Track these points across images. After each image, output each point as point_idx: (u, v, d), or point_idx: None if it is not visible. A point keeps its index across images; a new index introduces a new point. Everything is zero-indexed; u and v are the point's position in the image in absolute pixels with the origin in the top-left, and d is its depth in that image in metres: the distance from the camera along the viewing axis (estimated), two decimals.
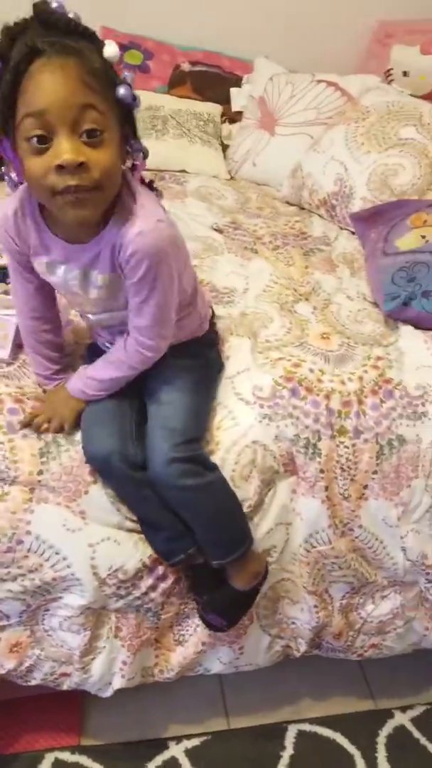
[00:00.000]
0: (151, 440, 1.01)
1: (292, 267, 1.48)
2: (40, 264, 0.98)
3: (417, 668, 1.43)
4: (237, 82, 2.14)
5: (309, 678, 1.45)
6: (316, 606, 1.20)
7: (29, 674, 1.16)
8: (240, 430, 1.09)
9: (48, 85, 0.77)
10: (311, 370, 1.15)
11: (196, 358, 1.11)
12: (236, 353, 1.19)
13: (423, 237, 1.36)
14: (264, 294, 1.37)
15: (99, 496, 1.05)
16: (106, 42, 0.83)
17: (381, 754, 1.35)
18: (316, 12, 2.19)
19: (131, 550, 1.07)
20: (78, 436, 1.07)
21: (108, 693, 1.19)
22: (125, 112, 0.85)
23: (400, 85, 2.07)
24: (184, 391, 1.06)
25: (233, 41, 2.12)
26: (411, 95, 1.93)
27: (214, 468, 1.05)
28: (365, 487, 1.12)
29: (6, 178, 0.93)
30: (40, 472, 1.03)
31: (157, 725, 1.38)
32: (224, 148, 2.08)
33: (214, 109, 2.10)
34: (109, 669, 1.16)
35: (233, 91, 2.13)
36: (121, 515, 1.06)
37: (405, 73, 2.17)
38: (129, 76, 0.84)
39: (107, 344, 1.10)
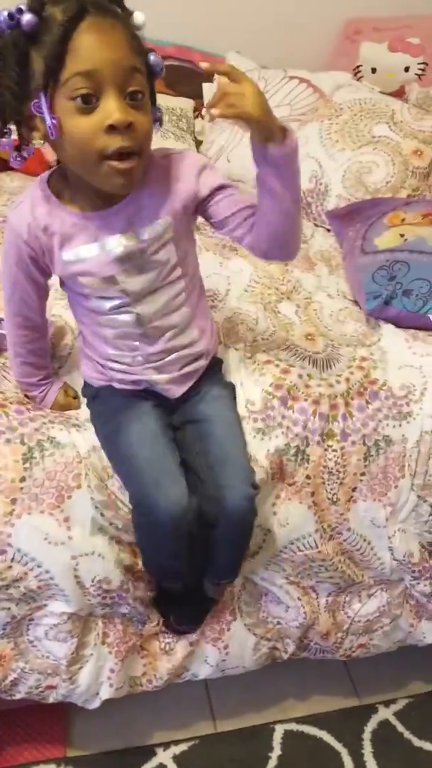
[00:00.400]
0: (225, 479, 0.99)
1: (272, 265, 1.47)
2: (70, 253, 0.92)
3: (398, 663, 1.45)
4: (209, 77, 2.12)
5: (294, 677, 1.46)
6: (299, 599, 1.20)
7: (13, 688, 1.13)
8: None
9: (100, 44, 0.76)
10: (300, 376, 1.14)
11: (224, 386, 1.11)
12: (227, 367, 1.17)
13: (402, 235, 1.37)
14: (246, 294, 1.36)
15: (83, 501, 1.03)
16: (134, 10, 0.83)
17: (367, 750, 1.37)
18: (285, 7, 2.18)
19: (114, 563, 1.05)
20: (63, 438, 1.04)
21: (95, 704, 1.17)
22: (150, 79, 0.85)
23: (369, 82, 2.08)
24: (232, 423, 1.06)
25: (204, 36, 2.09)
26: (381, 92, 1.94)
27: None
28: (354, 489, 1.12)
29: (12, 156, 0.87)
30: (23, 479, 1.00)
31: (143, 732, 1.37)
32: (197, 143, 2.06)
33: (187, 104, 2.08)
34: (97, 678, 1.14)
35: (206, 86, 2.11)
36: (105, 520, 1.04)
37: (373, 70, 2.18)
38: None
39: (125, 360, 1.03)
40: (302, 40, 2.21)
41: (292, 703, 1.44)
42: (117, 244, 0.92)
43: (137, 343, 1.00)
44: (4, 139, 0.85)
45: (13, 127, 0.85)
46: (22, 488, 1.00)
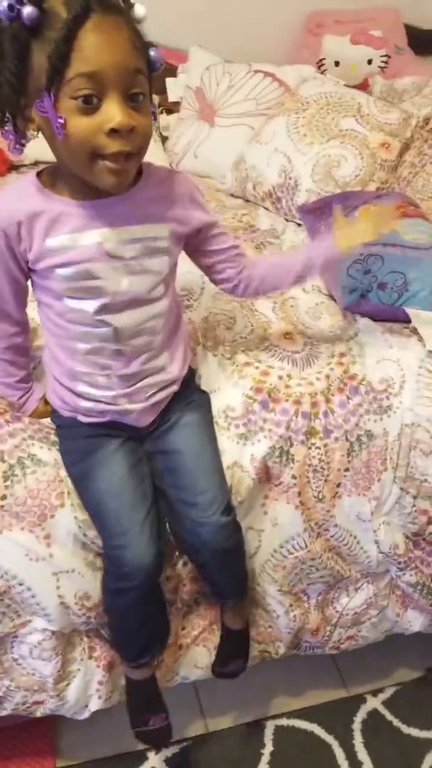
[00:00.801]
0: (198, 514, 1.00)
1: None
2: (56, 240, 0.88)
3: (384, 652, 1.46)
4: (172, 72, 2.10)
5: (282, 672, 1.46)
6: (291, 605, 1.20)
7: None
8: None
9: (105, 46, 0.75)
10: (280, 377, 1.14)
11: (195, 407, 1.09)
12: (205, 372, 1.17)
13: None
14: (221, 292, 1.34)
15: (65, 519, 1.01)
16: (134, 1, 0.81)
17: (357, 740, 1.38)
18: (248, 1, 2.16)
19: (96, 581, 1.05)
20: (44, 456, 1.02)
21: (84, 715, 1.16)
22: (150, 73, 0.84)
23: (333, 75, 2.08)
24: (207, 451, 1.05)
25: (167, 30, 2.06)
26: (345, 85, 1.94)
27: (235, 512, 1.06)
28: (338, 485, 1.13)
29: (12, 146, 0.86)
30: (4, 497, 0.99)
31: (132, 737, 1.35)
32: (163, 139, 2.04)
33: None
34: (85, 692, 1.13)
35: (169, 81, 2.08)
36: (87, 539, 1.03)
37: (336, 63, 2.18)
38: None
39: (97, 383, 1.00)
40: (265, 34, 2.20)
41: (282, 698, 1.45)
42: (108, 236, 0.90)
43: (110, 361, 0.98)
44: (6, 128, 0.84)
45: None
46: (2, 506, 0.99)
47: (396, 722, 1.42)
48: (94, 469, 0.99)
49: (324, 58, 2.17)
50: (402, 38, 2.18)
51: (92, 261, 0.90)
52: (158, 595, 1.08)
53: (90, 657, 1.12)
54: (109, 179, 0.83)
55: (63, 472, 1.03)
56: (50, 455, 1.03)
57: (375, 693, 1.47)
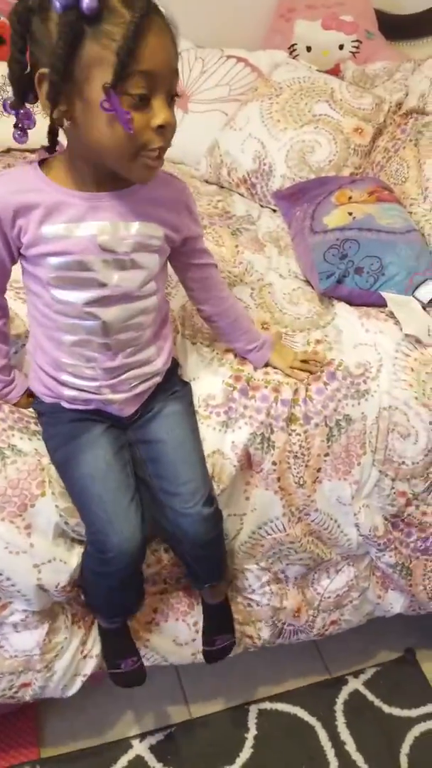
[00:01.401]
0: (179, 504, 1.01)
1: (223, 247, 1.45)
2: (52, 228, 0.88)
3: (365, 633, 1.48)
4: None
5: (264, 656, 1.47)
6: (268, 581, 1.21)
7: None
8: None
9: (161, 47, 0.79)
10: (255, 368, 1.15)
11: (178, 398, 1.09)
12: (184, 361, 1.16)
13: (350, 214, 1.37)
14: None
15: (46, 508, 1.00)
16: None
17: (340, 721, 1.40)
18: None
19: (77, 566, 1.04)
20: (25, 446, 1.01)
21: (75, 688, 1.15)
22: None
23: (305, 60, 2.07)
24: (189, 441, 1.05)
25: None
26: (318, 70, 1.93)
27: (217, 503, 1.06)
28: (318, 470, 1.13)
29: (17, 134, 0.87)
30: None
31: (117, 725, 1.36)
32: None
33: None
34: (73, 659, 1.13)
35: None
36: (68, 527, 1.02)
37: (308, 49, 2.17)
38: None
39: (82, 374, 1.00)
40: (237, 19, 2.18)
41: (264, 682, 1.46)
42: (103, 230, 0.90)
43: (96, 354, 0.98)
44: (23, 110, 0.85)
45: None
46: None
47: (377, 702, 1.44)
48: (78, 453, 0.99)
49: (296, 44, 2.16)
50: (372, 23, 2.17)
51: (85, 253, 0.90)
52: (138, 576, 1.09)
53: (73, 623, 1.12)
54: (146, 173, 0.86)
55: (45, 460, 1.02)
56: (31, 445, 1.02)
57: (356, 674, 1.49)
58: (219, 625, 1.20)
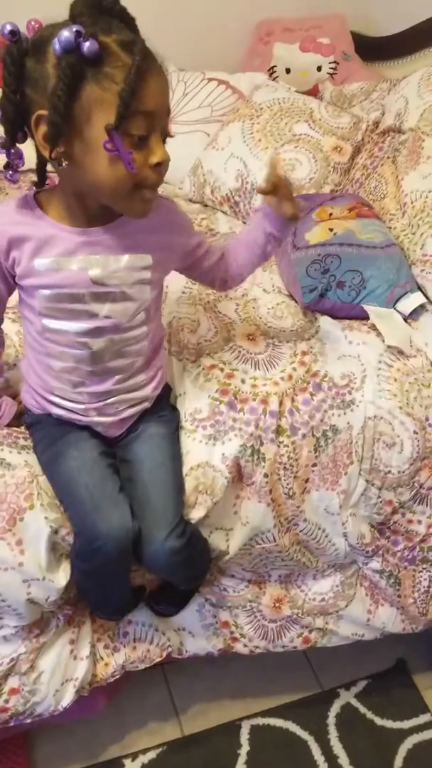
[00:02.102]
0: (146, 527, 1.00)
1: None
2: (43, 262, 0.90)
3: (355, 644, 1.47)
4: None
5: (254, 671, 1.47)
6: (250, 581, 1.22)
7: None
8: (187, 461, 1.09)
9: (160, 89, 0.82)
10: (243, 381, 1.16)
11: (164, 420, 1.09)
12: (171, 378, 1.18)
13: (331, 230, 1.40)
14: (184, 296, 1.36)
15: (35, 521, 1.00)
16: None
17: (333, 735, 1.40)
18: (198, 10, 2.19)
19: (67, 582, 1.04)
20: (13, 459, 1.01)
21: (68, 697, 1.12)
22: None
23: (285, 82, 2.12)
24: (166, 465, 1.05)
25: None
26: (297, 91, 1.98)
27: (193, 529, 1.06)
28: (307, 480, 1.14)
29: (8, 174, 0.88)
30: None
31: (109, 744, 1.35)
32: None
33: None
34: (60, 659, 1.11)
35: None
36: (58, 536, 1.02)
37: (287, 71, 2.22)
38: None
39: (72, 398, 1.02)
40: (217, 43, 2.23)
41: (255, 696, 1.46)
42: (95, 263, 0.92)
43: (84, 379, 1.00)
44: (13, 150, 0.86)
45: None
46: None
47: (369, 715, 1.44)
48: (65, 449, 1.00)
49: (275, 66, 2.21)
50: (349, 45, 2.23)
51: (75, 286, 0.92)
52: (126, 574, 1.08)
53: (64, 624, 1.12)
54: (142, 207, 0.89)
55: (35, 471, 1.02)
56: (19, 458, 1.03)
57: (348, 687, 1.49)
58: (172, 598, 1.20)
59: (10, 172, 0.88)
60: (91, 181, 0.85)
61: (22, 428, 1.09)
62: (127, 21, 0.81)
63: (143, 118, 0.81)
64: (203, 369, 1.18)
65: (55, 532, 1.01)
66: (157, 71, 0.81)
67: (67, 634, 1.13)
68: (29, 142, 0.86)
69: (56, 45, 0.76)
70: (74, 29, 0.75)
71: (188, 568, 1.09)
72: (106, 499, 0.97)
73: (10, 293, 0.97)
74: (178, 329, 1.27)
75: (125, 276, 0.94)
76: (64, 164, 0.84)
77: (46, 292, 0.92)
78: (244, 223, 1.78)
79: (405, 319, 1.33)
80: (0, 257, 0.91)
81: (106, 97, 0.78)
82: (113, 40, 0.78)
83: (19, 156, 0.87)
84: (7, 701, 1.09)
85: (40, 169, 0.94)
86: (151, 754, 1.33)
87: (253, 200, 1.73)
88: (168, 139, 0.90)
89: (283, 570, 1.24)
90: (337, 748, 1.38)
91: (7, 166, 0.87)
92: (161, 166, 0.85)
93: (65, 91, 0.77)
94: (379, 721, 1.43)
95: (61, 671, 1.11)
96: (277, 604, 1.25)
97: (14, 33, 0.79)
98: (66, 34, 0.75)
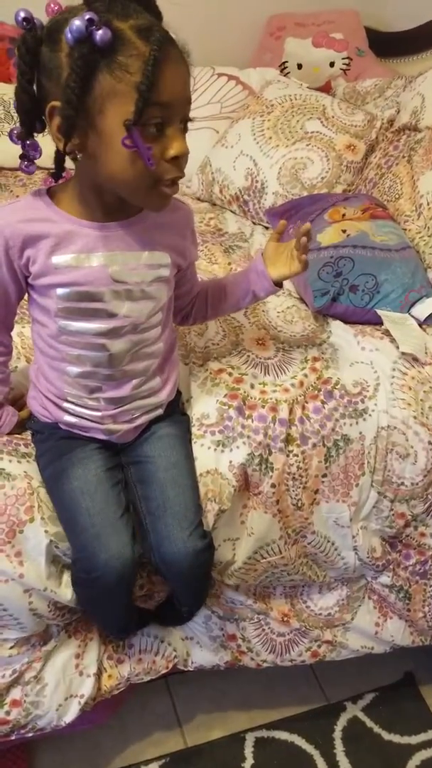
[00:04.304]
0: (163, 528, 0.96)
1: (216, 265, 1.44)
2: (62, 258, 0.87)
3: (362, 656, 1.45)
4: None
5: (259, 682, 1.44)
6: (255, 594, 1.19)
7: None
8: (196, 467, 1.05)
9: (178, 77, 0.78)
10: (252, 386, 1.12)
11: (174, 421, 1.06)
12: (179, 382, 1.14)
13: (344, 231, 1.36)
14: None
15: (35, 534, 0.97)
16: None
17: (339, 749, 1.37)
18: (209, 5, 2.15)
19: (68, 593, 1.01)
20: (14, 469, 0.98)
21: (72, 712, 1.09)
22: None
23: (296, 78, 2.08)
24: (181, 465, 1.01)
25: None
26: (309, 88, 1.94)
27: (210, 538, 1.03)
28: (316, 492, 1.11)
29: (24, 164, 0.85)
30: None
31: (111, 755, 1.32)
32: None
33: None
34: (65, 672, 1.08)
35: None
36: (59, 550, 0.99)
37: (299, 66, 2.18)
38: None
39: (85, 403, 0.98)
40: (227, 38, 2.19)
41: (260, 709, 1.43)
42: (115, 260, 0.88)
43: (101, 384, 0.96)
44: (29, 141, 0.83)
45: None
46: None
47: (376, 729, 1.40)
48: (69, 468, 0.97)
49: (286, 61, 2.17)
50: (363, 40, 2.19)
51: (95, 284, 0.89)
52: (128, 598, 1.05)
53: (68, 635, 1.09)
54: (160, 202, 0.85)
55: (35, 482, 0.99)
56: (20, 468, 0.99)
57: (354, 699, 1.46)
58: (175, 621, 1.19)
59: (26, 163, 0.84)
60: (108, 174, 0.82)
61: (24, 434, 1.06)
62: (147, 3, 0.77)
63: (160, 109, 0.76)
64: (210, 373, 1.15)
65: (56, 546, 0.98)
66: (176, 59, 0.77)
67: (72, 646, 1.09)
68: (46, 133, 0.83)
69: (68, 35, 0.73)
70: (86, 17, 0.71)
71: (204, 578, 1.06)
72: (107, 527, 0.93)
73: (21, 297, 0.94)
74: (185, 332, 1.24)
75: (145, 273, 0.91)
76: (79, 157, 0.82)
77: (64, 290, 0.88)
78: (253, 223, 1.75)
79: (420, 325, 1.29)
80: (14, 256, 0.87)
81: (120, 88, 0.75)
82: (129, 26, 0.74)
83: (35, 147, 0.84)
84: (8, 713, 1.06)
85: (58, 161, 0.88)
86: (154, 766, 1.30)
87: (263, 200, 1.70)
88: None
89: (289, 584, 1.20)
90: (344, 762, 1.34)
91: (23, 157, 0.84)
92: (180, 159, 0.81)
93: (78, 83, 0.74)
94: (386, 736, 1.39)
95: (66, 685, 1.08)
96: (285, 618, 1.22)
97: (28, 20, 0.75)
98: (77, 23, 0.71)
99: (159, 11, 0.79)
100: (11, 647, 1.02)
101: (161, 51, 0.73)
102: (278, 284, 1.06)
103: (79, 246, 0.87)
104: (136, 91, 0.74)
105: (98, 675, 1.11)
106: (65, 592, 1.00)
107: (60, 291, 0.88)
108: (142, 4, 0.77)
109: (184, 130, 0.82)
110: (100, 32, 0.72)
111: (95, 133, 0.78)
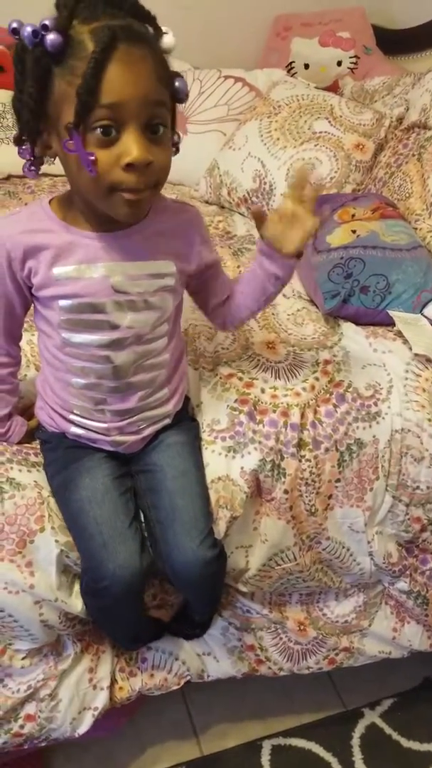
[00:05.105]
0: (173, 537, 0.95)
1: (225, 268, 1.42)
2: (62, 270, 0.86)
3: (379, 661, 1.43)
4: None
5: (275, 689, 1.42)
6: (271, 602, 1.18)
7: None
8: (206, 474, 1.04)
9: (129, 78, 0.73)
10: (263, 390, 1.11)
11: (183, 429, 1.05)
12: (187, 388, 1.12)
13: (353, 231, 1.34)
14: None
15: (46, 544, 0.96)
16: (164, 29, 0.78)
17: (357, 757, 1.35)
18: (214, 6, 2.14)
19: (79, 603, 1.00)
20: (24, 479, 0.97)
21: (85, 724, 1.08)
22: (173, 104, 0.82)
23: (303, 78, 2.06)
24: (191, 473, 1.00)
25: None
26: (316, 87, 1.92)
27: (221, 544, 1.01)
28: (330, 497, 1.09)
29: (27, 166, 0.84)
30: None
31: (126, 762, 1.31)
32: None
33: None
34: (79, 687, 1.07)
35: None
36: (70, 560, 0.98)
37: (306, 66, 2.17)
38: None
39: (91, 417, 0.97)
40: (233, 39, 2.19)
41: (277, 716, 1.41)
42: (115, 270, 0.87)
43: (106, 396, 0.95)
44: (24, 147, 0.82)
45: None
46: None
47: (395, 736, 1.38)
48: (77, 476, 0.96)
49: (293, 61, 2.16)
50: (370, 39, 2.17)
51: (97, 295, 0.87)
52: (138, 607, 1.05)
53: (82, 650, 1.08)
54: (124, 210, 0.80)
55: (45, 492, 0.98)
56: (30, 477, 0.99)
57: (372, 706, 1.44)
58: (187, 632, 1.17)
59: (29, 166, 0.84)
60: (70, 181, 0.82)
61: (33, 443, 1.05)
62: (121, 3, 0.75)
63: (107, 111, 0.73)
64: (220, 378, 1.13)
65: (67, 556, 0.97)
66: (128, 59, 0.72)
67: (86, 661, 1.09)
68: None
69: (25, 40, 0.73)
70: (42, 23, 0.72)
71: (216, 587, 1.05)
72: (115, 536, 0.92)
73: (27, 308, 0.93)
74: (194, 337, 1.23)
75: (148, 283, 0.90)
76: (50, 162, 0.82)
77: (66, 302, 0.87)
78: None
79: None
80: (16, 268, 0.87)
81: (70, 91, 0.73)
82: (88, 30, 0.72)
83: (29, 152, 0.83)
84: (22, 727, 1.05)
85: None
86: None
87: (272, 201, 1.68)
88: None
89: (304, 590, 1.19)
90: None
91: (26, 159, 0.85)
92: (136, 168, 0.75)
93: (34, 87, 0.74)
94: (405, 743, 1.37)
95: (80, 700, 1.08)
96: (302, 627, 1.21)
97: (36, 33, 0.74)
98: (28, 29, 0.72)
99: (145, 11, 0.77)
100: (23, 658, 1.02)
101: (106, 51, 0.71)
102: (297, 255, 0.96)
103: (79, 257, 0.86)
104: (75, 94, 0.73)
105: (111, 687, 1.11)
106: (76, 603, 0.99)
107: (62, 303, 0.87)
108: (117, 5, 0.74)
109: (153, 134, 0.77)
110: (50, 37, 0.72)
111: (57, 138, 0.78)
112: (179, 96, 0.82)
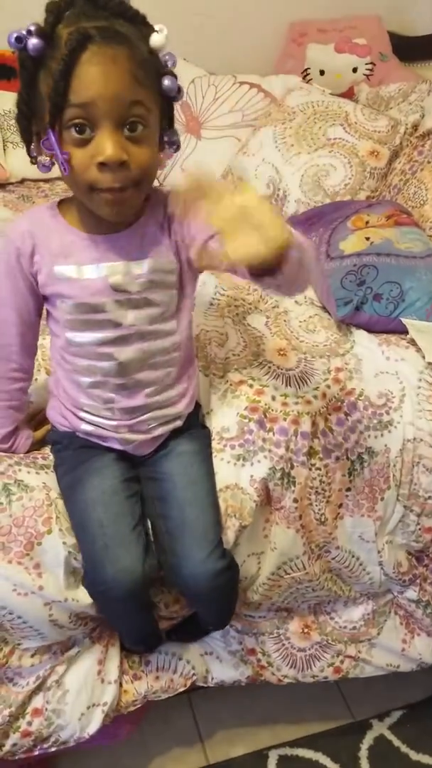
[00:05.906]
0: (182, 548, 0.94)
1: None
2: (64, 269, 0.87)
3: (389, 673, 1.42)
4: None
5: (283, 698, 1.41)
6: (278, 609, 1.17)
7: None
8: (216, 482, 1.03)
9: (98, 78, 0.73)
10: (273, 398, 1.10)
11: (194, 437, 1.04)
12: (197, 394, 1.12)
13: (367, 239, 1.34)
14: (212, 308, 1.31)
15: (54, 546, 0.96)
16: (156, 27, 0.79)
17: None
18: (230, 12, 2.14)
19: (88, 602, 0.99)
20: (32, 481, 0.97)
21: (95, 722, 1.07)
22: (166, 102, 0.83)
23: (319, 84, 2.06)
24: (201, 483, 1.00)
25: None
26: (331, 94, 1.92)
27: (231, 554, 1.01)
28: (340, 506, 1.09)
29: (39, 165, 0.86)
30: None
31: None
32: None
33: None
34: (87, 679, 1.06)
35: None
36: (78, 562, 0.98)
37: (322, 72, 2.16)
38: (170, 60, 0.81)
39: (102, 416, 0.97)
40: (249, 45, 2.18)
41: (284, 725, 1.40)
42: (115, 270, 0.88)
43: (113, 395, 0.95)
44: (32, 146, 0.84)
45: None
46: None
47: (404, 748, 1.37)
48: (85, 477, 0.96)
49: (309, 68, 2.15)
50: (386, 45, 2.16)
51: (96, 295, 0.88)
52: (143, 614, 1.04)
53: (91, 641, 1.08)
54: (106, 210, 0.82)
55: (53, 494, 0.98)
56: (38, 479, 0.99)
57: (381, 717, 1.42)
58: (191, 637, 1.17)
59: (40, 165, 0.86)
60: (64, 180, 0.83)
61: (42, 449, 1.05)
62: (106, 4, 0.75)
63: (77, 109, 0.74)
64: (231, 385, 1.13)
65: (75, 558, 0.97)
66: (95, 58, 0.72)
67: (95, 652, 1.08)
68: None
69: (11, 45, 0.76)
70: (28, 28, 0.74)
71: (228, 598, 1.04)
72: (118, 539, 0.92)
73: (40, 310, 0.94)
74: (205, 343, 1.23)
75: (147, 282, 0.90)
76: (45, 162, 0.83)
77: (68, 302, 0.89)
78: None
79: None
80: (25, 264, 0.89)
81: (48, 92, 0.75)
82: (69, 32, 0.73)
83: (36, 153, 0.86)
84: (30, 723, 1.05)
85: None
86: None
87: (285, 208, 1.68)
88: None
89: (314, 600, 1.18)
90: None
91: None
92: (109, 167, 0.76)
93: (24, 89, 0.77)
94: (414, 756, 1.35)
95: (88, 693, 1.07)
96: (305, 630, 1.20)
97: (20, 39, 0.76)
98: (14, 34, 0.74)
99: (131, 12, 0.77)
100: (32, 655, 1.02)
101: (75, 52, 0.72)
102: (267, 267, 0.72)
103: (79, 257, 0.88)
104: (46, 93, 0.75)
105: (119, 682, 1.10)
106: (85, 597, 0.98)
107: (64, 303, 0.89)
108: (101, 6, 0.75)
109: (131, 132, 0.76)
110: (32, 41, 0.74)
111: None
112: (169, 95, 0.82)
